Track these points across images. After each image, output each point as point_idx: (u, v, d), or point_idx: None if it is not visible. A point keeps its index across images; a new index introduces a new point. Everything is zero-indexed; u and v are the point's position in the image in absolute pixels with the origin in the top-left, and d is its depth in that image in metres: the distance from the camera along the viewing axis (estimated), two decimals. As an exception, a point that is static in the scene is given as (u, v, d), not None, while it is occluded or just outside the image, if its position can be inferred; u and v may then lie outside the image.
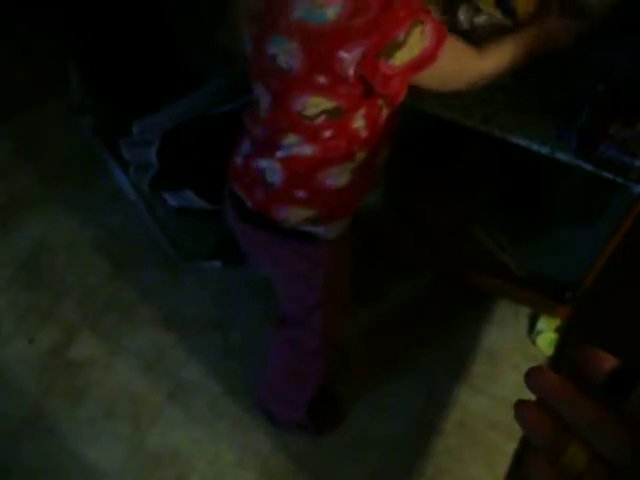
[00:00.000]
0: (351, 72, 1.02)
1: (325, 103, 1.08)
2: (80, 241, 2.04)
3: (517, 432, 1.27)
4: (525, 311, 1.89)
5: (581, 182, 1.66)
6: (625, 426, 0.44)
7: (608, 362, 0.49)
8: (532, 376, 0.49)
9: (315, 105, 1.08)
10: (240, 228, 1.31)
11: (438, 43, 1.04)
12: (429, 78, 1.10)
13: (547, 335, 1.82)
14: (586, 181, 1.53)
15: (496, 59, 1.16)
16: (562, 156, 1.39)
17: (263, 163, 1.19)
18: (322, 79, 1.04)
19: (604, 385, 0.48)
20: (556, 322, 1.79)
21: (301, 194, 1.19)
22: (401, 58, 1.02)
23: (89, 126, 1.92)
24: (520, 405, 0.50)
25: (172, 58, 1.86)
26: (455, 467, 1.73)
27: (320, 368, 1.55)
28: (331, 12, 0.98)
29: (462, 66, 1.15)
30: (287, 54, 1.04)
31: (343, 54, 1.01)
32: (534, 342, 1.84)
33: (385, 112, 1.16)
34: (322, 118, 1.10)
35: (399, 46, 1.01)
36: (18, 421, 1.79)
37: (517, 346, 1.86)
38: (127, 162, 1.81)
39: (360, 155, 1.17)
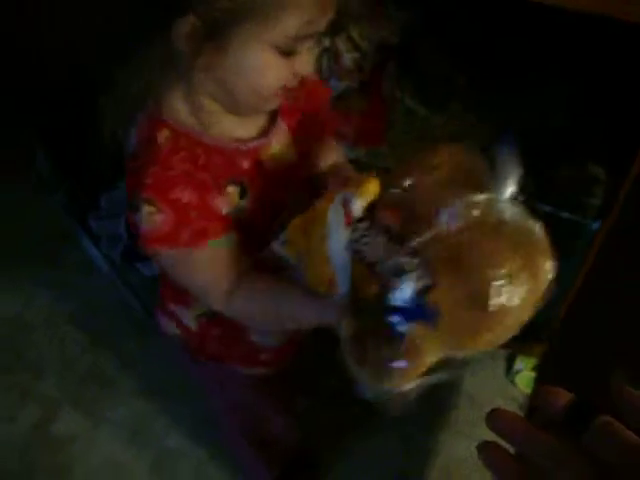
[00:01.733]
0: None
1: None
2: (56, 316, 2.05)
3: None
4: (502, 352, 1.90)
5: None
6: (584, 460, 0.46)
7: (563, 398, 0.51)
8: (491, 417, 0.51)
9: None
10: None
11: (156, 241, 0.88)
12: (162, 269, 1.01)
13: (525, 374, 1.83)
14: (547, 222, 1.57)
15: (259, 310, 0.96)
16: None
17: None
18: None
19: (562, 420, 0.50)
20: (533, 360, 1.81)
21: (172, 309, 1.20)
22: (140, 221, 0.89)
23: (59, 202, 1.95)
24: (484, 446, 0.52)
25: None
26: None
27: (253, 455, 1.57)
28: (130, 147, 0.95)
29: (198, 289, 0.99)
30: None
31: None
32: (513, 382, 1.86)
33: None
34: None
35: (136, 208, 0.88)
36: (4, 501, 1.77)
37: (497, 388, 1.87)
38: (97, 235, 1.83)
39: (195, 306, 1.13)
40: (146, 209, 0.87)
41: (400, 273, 0.71)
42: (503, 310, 0.69)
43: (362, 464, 1.77)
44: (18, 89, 1.87)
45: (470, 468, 1.76)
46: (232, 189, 0.96)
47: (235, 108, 0.94)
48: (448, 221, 0.72)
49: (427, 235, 0.72)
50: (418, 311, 0.70)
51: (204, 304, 1.02)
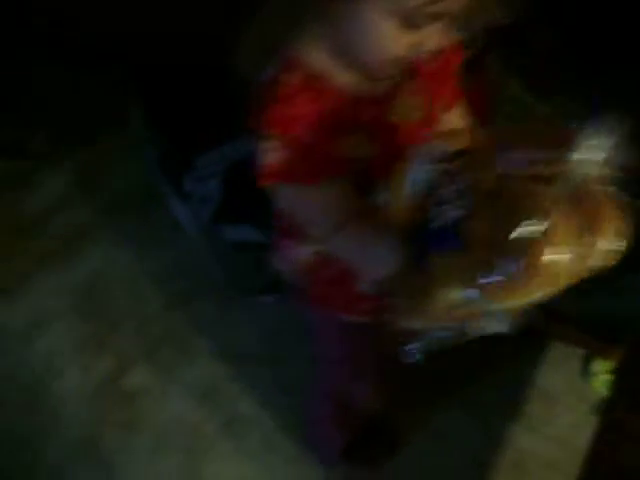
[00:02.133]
0: None
1: None
2: (137, 273, 2.07)
3: (574, 473, 1.26)
4: (579, 351, 1.88)
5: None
6: None
7: None
8: None
9: None
10: None
11: (273, 174, 0.94)
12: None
13: (602, 377, 1.80)
14: None
15: (354, 252, 1.00)
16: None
17: None
18: None
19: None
20: (611, 363, 1.78)
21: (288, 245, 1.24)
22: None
23: (151, 159, 1.97)
24: None
25: (234, 95, 1.90)
26: (508, 506, 1.72)
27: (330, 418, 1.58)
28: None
29: (309, 225, 1.04)
30: None
31: None
32: (588, 383, 1.83)
33: None
34: None
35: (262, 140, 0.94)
36: (72, 449, 1.80)
37: (571, 387, 1.85)
38: (188, 195, 1.84)
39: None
40: (267, 144, 0.92)
41: (441, 203, 0.77)
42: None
43: (439, 443, 1.76)
44: (115, 42, 1.89)
45: (537, 464, 1.74)
46: (354, 136, 0.98)
47: (356, 67, 0.95)
48: (506, 165, 0.75)
49: (477, 173, 0.77)
50: (446, 237, 0.75)
51: (313, 238, 1.06)
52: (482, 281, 0.72)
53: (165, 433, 1.81)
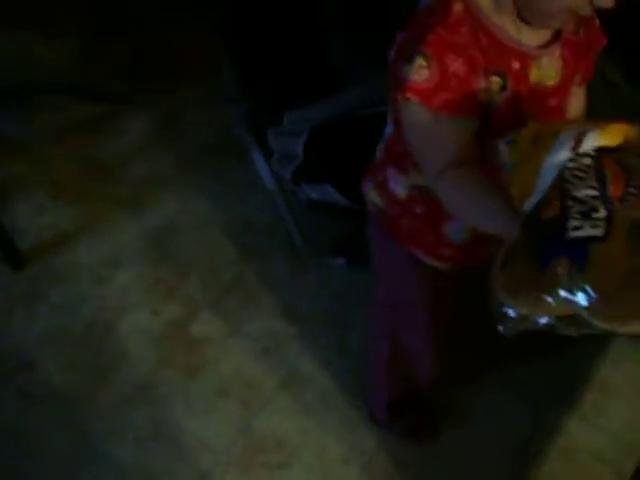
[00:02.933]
0: (391, 56, 1.07)
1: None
2: (210, 225, 2.10)
3: (626, 471, 1.25)
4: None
5: None
6: None
7: None
8: None
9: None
10: None
11: (415, 91, 0.96)
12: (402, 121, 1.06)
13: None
14: None
15: (457, 199, 1.00)
16: None
17: None
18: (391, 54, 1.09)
19: None
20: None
21: (379, 177, 1.26)
22: (406, 72, 0.98)
23: (238, 114, 1.99)
24: None
25: (321, 56, 1.91)
26: (555, 495, 1.71)
27: (385, 373, 1.60)
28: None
29: (422, 154, 1.05)
30: None
31: (398, 35, 1.06)
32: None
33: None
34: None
35: (409, 59, 0.97)
36: (133, 387, 1.84)
37: (631, 381, 1.82)
38: (271, 151, 1.86)
39: (413, 175, 1.17)
40: (419, 61, 0.94)
41: (585, 214, 0.74)
42: None
43: (489, 425, 1.76)
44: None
45: (586, 455, 1.73)
46: (496, 80, 1.01)
47: (526, 13, 0.98)
48: None
49: (630, 200, 0.76)
50: (574, 248, 0.73)
51: (421, 170, 1.07)
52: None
53: (224, 383, 1.84)
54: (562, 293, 0.72)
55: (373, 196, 1.26)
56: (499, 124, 1.01)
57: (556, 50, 1.06)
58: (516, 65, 1.01)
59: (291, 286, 1.97)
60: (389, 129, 1.18)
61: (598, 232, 0.72)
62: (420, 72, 0.95)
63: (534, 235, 0.77)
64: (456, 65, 0.95)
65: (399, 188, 1.20)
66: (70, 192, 2.20)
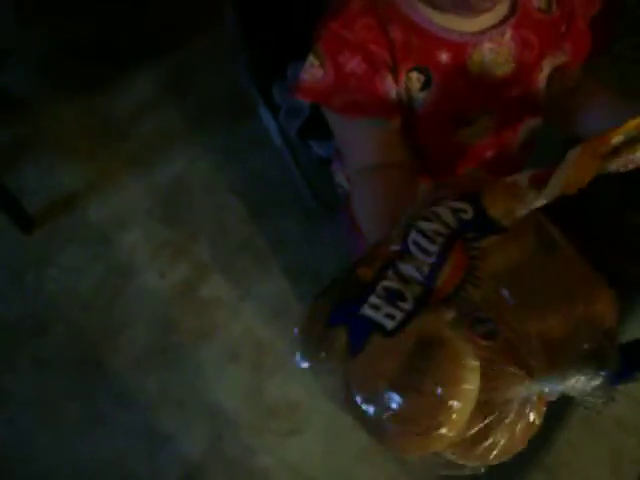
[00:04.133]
0: None
1: None
2: (218, 182, 2.03)
3: None
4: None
5: None
6: None
7: None
8: None
9: None
10: None
11: (308, 92, 0.94)
12: None
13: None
14: None
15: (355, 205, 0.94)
16: None
17: None
18: None
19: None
20: None
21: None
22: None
23: (242, 65, 1.90)
24: None
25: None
26: (576, 462, 1.64)
27: None
28: None
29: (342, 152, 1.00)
30: None
31: None
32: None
33: None
34: None
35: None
36: (142, 351, 1.81)
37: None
38: (277, 106, 1.77)
39: None
40: (311, 59, 0.89)
41: (390, 298, 0.66)
42: None
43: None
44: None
45: (608, 424, 1.66)
46: (415, 76, 0.90)
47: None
48: None
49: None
50: (359, 326, 0.66)
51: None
52: None
53: (235, 346, 1.79)
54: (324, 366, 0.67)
55: (340, 178, 1.17)
56: (427, 123, 0.91)
57: (505, 33, 0.92)
58: (445, 57, 0.89)
59: (303, 245, 1.91)
60: None
61: (388, 324, 0.63)
62: (313, 72, 0.89)
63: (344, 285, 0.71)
64: (353, 64, 0.86)
65: (339, 179, 1.14)
66: (78, 152, 2.14)
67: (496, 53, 0.92)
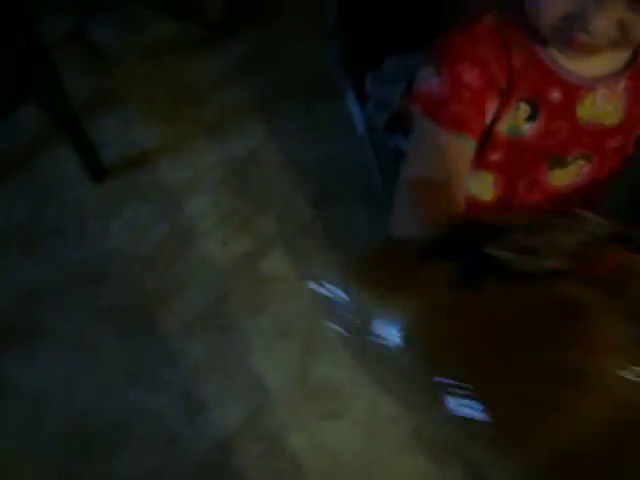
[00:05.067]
0: None
1: None
2: (293, 161, 2.05)
3: None
4: None
5: None
6: None
7: None
8: None
9: None
10: None
11: (419, 100, 0.90)
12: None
13: None
14: None
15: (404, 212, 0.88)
16: None
17: None
18: None
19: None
20: None
21: None
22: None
23: (335, 51, 1.91)
24: None
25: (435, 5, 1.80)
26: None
27: None
28: None
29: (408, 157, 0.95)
30: None
31: None
32: None
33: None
34: None
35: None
36: (194, 315, 1.83)
37: None
38: (366, 95, 1.78)
39: None
40: (430, 69, 0.87)
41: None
42: None
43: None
44: None
45: None
46: (523, 107, 0.90)
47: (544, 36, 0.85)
48: None
49: None
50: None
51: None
52: None
53: (287, 325, 1.81)
54: None
55: None
56: (520, 155, 0.90)
57: (620, 82, 0.91)
58: (556, 96, 0.89)
59: (370, 235, 1.91)
60: None
61: (516, 267, 0.51)
62: (430, 82, 0.87)
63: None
64: (470, 76, 0.85)
65: None
66: (158, 111, 2.17)
67: (607, 101, 0.92)
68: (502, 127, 0.91)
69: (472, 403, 0.48)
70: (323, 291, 0.66)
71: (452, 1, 1.76)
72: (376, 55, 1.75)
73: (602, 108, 0.92)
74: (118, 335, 1.80)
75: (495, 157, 0.94)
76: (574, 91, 0.90)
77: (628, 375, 0.45)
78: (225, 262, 1.89)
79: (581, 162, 0.98)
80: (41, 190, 2.00)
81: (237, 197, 1.98)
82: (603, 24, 0.75)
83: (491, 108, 0.89)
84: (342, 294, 0.65)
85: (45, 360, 1.76)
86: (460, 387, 0.49)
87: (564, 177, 1.00)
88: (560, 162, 0.96)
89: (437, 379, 0.50)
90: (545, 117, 0.90)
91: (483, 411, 0.47)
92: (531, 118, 0.91)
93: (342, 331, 0.65)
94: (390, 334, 0.59)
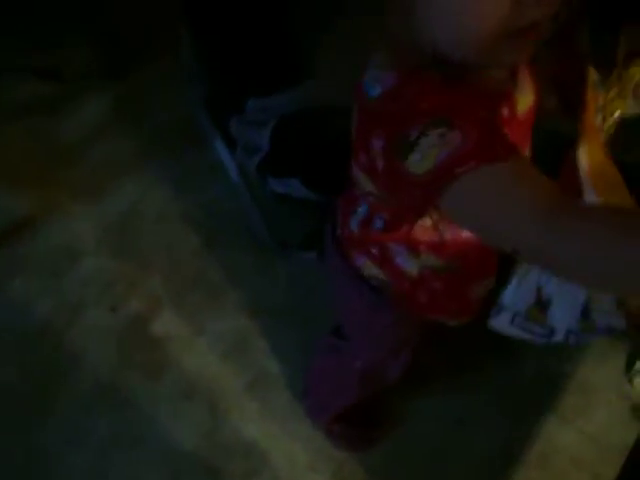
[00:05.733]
0: (379, 167, 0.78)
1: (370, 185, 0.89)
2: (171, 212, 1.99)
3: (603, 476, 1.19)
4: (624, 346, 1.78)
5: None
6: None
7: None
8: None
9: (364, 182, 0.90)
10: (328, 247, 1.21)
11: (464, 159, 0.67)
12: (452, 211, 0.74)
13: (645, 378, 1.71)
14: None
15: (590, 242, 0.61)
16: None
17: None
18: (363, 157, 0.84)
19: None
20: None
21: (374, 251, 1.04)
22: (415, 167, 0.71)
23: (197, 96, 1.86)
24: None
25: (291, 45, 1.76)
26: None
27: (354, 392, 1.49)
28: (377, 90, 0.79)
29: (510, 220, 0.68)
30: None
31: (373, 141, 0.78)
32: (630, 381, 1.74)
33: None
34: (372, 199, 0.94)
35: (410, 147, 0.70)
36: (93, 390, 1.76)
37: (613, 382, 1.75)
38: (233, 140, 1.74)
39: (426, 258, 0.98)
40: (436, 132, 0.69)
41: None
42: None
43: (465, 430, 1.69)
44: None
45: (566, 461, 1.66)
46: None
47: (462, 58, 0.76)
48: None
49: None
50: None
51: (511, 241, 0.71)
52: None
53: (189, 385, 1.75)
54: None
55: (372, 270, 1.07)
56: None
57: (523, 70, 0.88)
58: (506, 112, 0.83)
59: (257, 280, 1.88)
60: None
61: None
62: (448, 140, 0.68)
63: None
64: (480, 112, 0.72)
65: (406, 266, 1.02)
66: (27, 176, 2.08)
67: (526, 81, 0.89)
68: None
69: None
70: None
71: (310, 43, 1.75)
72: (239, 98, 1.71)
73: (524, 90, 0.87)
74: (16, 424, 1.71)
75: None
76: (511, 96, 0.85)
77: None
78: (117, 329, 1.82)
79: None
80: None
81: (119, 258, 1.92)
82: None
83: None
84: None
85: None
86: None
87: None
88: None
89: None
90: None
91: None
92: None
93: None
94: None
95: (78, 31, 2.21)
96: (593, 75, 0.96)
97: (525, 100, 0.88)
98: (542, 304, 1.07)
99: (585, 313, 0.97)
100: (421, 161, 0.70)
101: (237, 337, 1.80)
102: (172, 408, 1.72)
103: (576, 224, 0.62)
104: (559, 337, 0.93)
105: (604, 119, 0.95)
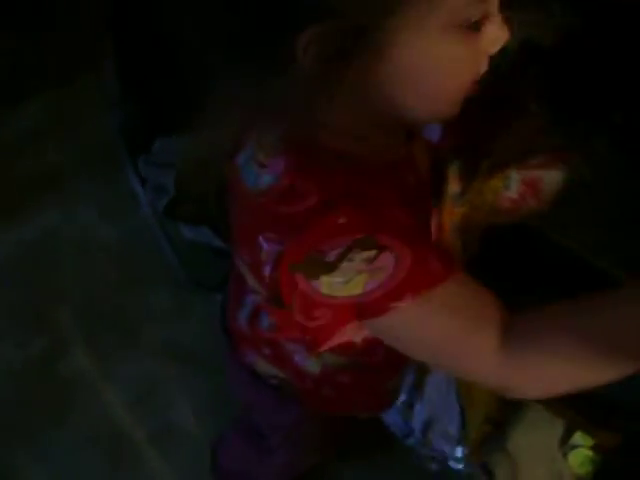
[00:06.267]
0: (267, 271, 0.67)
1: (255, 284, 0.76)
2: (91, 241, 1.88)
3: None
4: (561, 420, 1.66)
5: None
6: None
7: None
8: None
9: (248, 277, 0.78)
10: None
11: (400, 293, 0.61)
12: (380, 335, 0.69)
13: (581, 451, 1.59)
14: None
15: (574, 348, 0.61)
16: None
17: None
18: (246, 255, 0.74)
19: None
20: (591, 440, 1.56)
21: (266, 351, 0.93)
22: (332, 289, 0.62)
23: (116, 123, 1.74)
24: None
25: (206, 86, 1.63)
26: None
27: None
28: (263, 179, 0.67)
29: (460, 346, 0.65)
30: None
31: (262, 242, 0.66)
32: (565, 456, 1.61)
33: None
34: (259, 298, 0.81)
35: (327, 269, 0.61)
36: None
37: (544, 457, 1.63)
38: (144, 177, 1.62)
39: (329, 356, 0.86)
40: (362, 256, 0.59)
41: None
42: None
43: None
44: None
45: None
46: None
47: (393, 121, 0.68)
48: None
49: None
50: None
51: (454, 370, 0.72)
52: None
53: (92, 433, 1.66)
54: None
55: (267, 368, 0.96)
56: None
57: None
58: (412, 179, 0.74)
59: (173, 322, 1.77)
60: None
61: None
62: (380, 266, 0.60)
63: None
64: (403, 217, 0.63)
65: (305, 364, 0.91)
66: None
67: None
68: None
69: None
70: None
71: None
72: (151, 135, 1.60)
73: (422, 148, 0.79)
74: None
75: None
76: (412, 157, 0.77)
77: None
78: (20, 367, 1.72)
79: None
80: None
81: (30, 289, 1.81)
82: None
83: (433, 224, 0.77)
84: None
85: None
86: None
87: None
88: None
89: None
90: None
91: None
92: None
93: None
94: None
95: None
96: (454, 187, 0.83)
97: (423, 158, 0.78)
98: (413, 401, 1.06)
99: (424, 429, 0.93)
100: (343, 285, 0.61)
101: (147, 383, 1.71)
102: (72, 458, 1.63)
103: (532, 357, 0.62)
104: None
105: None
